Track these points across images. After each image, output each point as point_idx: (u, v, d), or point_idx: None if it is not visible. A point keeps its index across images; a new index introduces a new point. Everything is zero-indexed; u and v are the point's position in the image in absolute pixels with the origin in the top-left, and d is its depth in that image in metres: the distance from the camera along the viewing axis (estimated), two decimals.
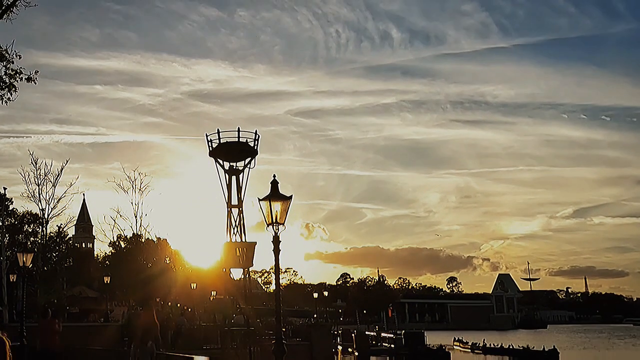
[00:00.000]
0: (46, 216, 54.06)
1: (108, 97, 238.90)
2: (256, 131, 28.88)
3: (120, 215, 58.99)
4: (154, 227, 61.80)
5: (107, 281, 43.79)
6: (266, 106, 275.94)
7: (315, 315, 78.53)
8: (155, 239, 60.68)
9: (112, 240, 60.85)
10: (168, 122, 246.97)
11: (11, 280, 39.97)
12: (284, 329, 22.37)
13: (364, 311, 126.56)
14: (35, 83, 14.56)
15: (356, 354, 61.41)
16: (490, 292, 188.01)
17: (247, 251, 27.90)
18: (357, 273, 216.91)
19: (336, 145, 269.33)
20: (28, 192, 53.04)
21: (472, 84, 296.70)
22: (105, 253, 66.58)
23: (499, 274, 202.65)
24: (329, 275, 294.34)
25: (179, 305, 59.85)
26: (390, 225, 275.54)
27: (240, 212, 28.48)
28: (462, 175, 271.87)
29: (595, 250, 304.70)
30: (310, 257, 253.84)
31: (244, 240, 28.10)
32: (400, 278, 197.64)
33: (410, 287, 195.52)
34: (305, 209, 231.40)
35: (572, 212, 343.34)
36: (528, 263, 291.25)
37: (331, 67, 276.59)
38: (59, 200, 53.97)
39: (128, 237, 58.91)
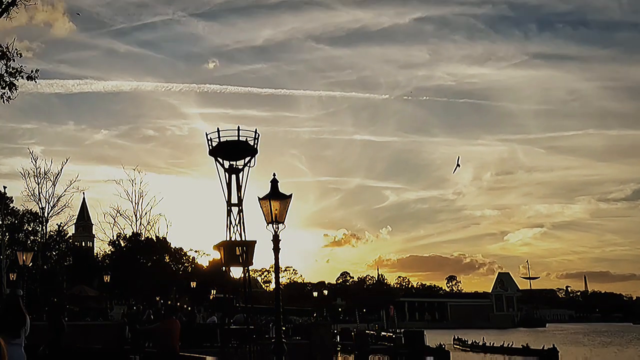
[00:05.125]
0: (46, 215, 54.25)
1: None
2: (256, 130, 29.05)
3: (120, 214, 59.24)
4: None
5: (106, 280, 43.83)
6: (279, 24, 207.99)
7: (315, 314, 78.56)
8: (155, 238, 60.80)
9: (112, 239, 61.00)
10: (146, 54, 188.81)
11: (11, 278, 40.08)
12: (284, 328, 22.41)
13: (364, 310, 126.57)
14: (36, 82, 14.44)
15: (356, 352, 61.39)
16: (490, 291, 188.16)
17: (247, 250, 27.94)
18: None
19: (370, 94, 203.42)
20: (28, 190, 53.29)
21: None
22: (105, 252, 66.67)
23: (499, 273, 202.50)
24: (329, 273, 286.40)
25: (179, 304, 59.91)
26: (412, 210, 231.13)
27: (241, 211, 28.52)
28: (511, 142, 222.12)
29: (634, 242, 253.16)
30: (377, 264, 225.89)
31: (244, 238, 28.14)
32: (400, 277, 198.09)
33: (410, 286, 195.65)
34: (319, 189, 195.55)
35: (631, 192, 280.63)
36: (528, 262, 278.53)
37: None
38: (58, 199, 54.24)
39: (127, 235, 59.05)
